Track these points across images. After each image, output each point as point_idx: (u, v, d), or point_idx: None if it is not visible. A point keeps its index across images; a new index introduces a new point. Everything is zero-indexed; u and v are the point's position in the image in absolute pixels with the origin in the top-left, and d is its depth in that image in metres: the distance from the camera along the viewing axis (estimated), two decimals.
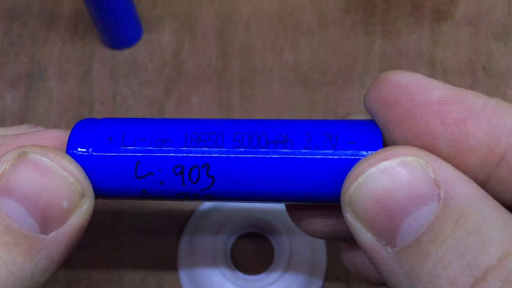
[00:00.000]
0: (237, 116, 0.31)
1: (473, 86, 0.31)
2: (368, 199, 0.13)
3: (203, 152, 0.16)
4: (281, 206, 0.22)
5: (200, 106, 0.31)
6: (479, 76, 0.31)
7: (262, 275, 0.28)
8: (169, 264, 0.28)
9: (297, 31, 0.33)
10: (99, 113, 0.32)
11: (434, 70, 0.32)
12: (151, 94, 0.32)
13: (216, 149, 0.16)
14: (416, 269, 0.13)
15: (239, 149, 0.16)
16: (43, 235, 0.14)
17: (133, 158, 0.16)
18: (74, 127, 0.16)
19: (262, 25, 0.33)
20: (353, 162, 0.15)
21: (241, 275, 0.28)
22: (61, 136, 0.17)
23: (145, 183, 0.16)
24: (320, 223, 0.18)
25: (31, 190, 0.14)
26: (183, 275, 0.28)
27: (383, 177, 0.13)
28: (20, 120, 0.32)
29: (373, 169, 0.14)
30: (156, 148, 0.16)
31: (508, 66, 0.31)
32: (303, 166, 0.15)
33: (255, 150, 0.15)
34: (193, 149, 0.16)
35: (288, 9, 0.34)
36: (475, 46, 0.32)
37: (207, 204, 0.29)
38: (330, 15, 0.33)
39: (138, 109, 0.32)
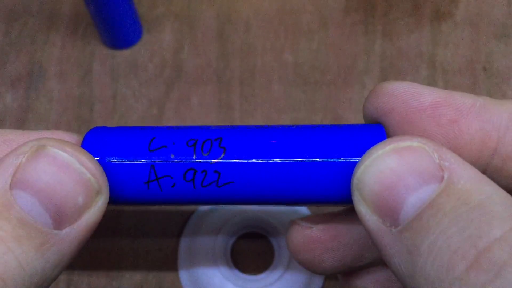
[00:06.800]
0: (237, 116, 0.31)
1: (473, 86, 0.31)
2: (374, 180, 0.14)
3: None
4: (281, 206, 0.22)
5: (200, 106, 0.31)
6: (479, 76, 0.31)
7: (262, 275, 0.28)
8: (169, 264, 0.28)
9: (297, 31, 0.33)
10: (99, 113, 0.32)
11: (434, 70, 0.32)
12: (151, 94, 0.32)
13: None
14: (417, 243, 0.13)
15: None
16: (56, 231, 0.14)
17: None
18: (86, 137, 0.17)
19: (262, 25, 0.33)
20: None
21: (241, 275, 0.28)
22: (70, 140, 0.17)
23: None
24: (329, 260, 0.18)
25: (48, 185, 0.14)
26: (183, 275, 0.28)
27: (389, 158, 0.14)
28: (20, 120, 0.32)
29: (380, 152, 0.14)
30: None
31: (508, 66, 0.31)
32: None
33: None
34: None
35: (288, 9, 0.34)
36: (475, 46, 0.32)
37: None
38: (330, 15, 0.33)
39: (138, 109, 0.32)
